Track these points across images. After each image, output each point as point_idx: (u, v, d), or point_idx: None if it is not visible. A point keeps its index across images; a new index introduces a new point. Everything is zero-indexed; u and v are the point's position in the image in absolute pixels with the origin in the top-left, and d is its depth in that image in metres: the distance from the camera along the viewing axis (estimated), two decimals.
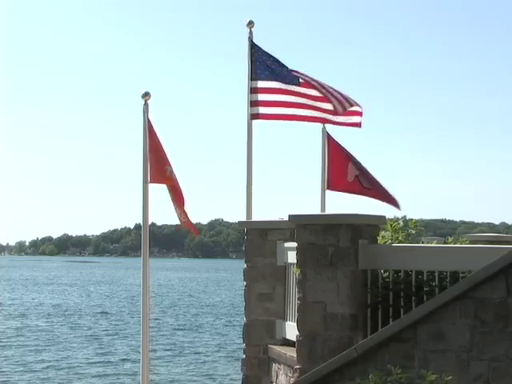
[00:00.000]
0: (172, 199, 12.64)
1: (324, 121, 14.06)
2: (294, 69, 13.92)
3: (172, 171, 12.56)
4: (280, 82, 13.72)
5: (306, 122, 14.09)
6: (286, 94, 13.72)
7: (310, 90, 13.75)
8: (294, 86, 13.72)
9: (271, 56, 13.87)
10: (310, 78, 13.81)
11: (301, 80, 13.77)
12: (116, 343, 40.68)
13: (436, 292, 9.07)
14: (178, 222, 12.89)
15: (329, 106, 13.71)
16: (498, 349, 8.10)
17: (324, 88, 13.68)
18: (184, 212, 12.64)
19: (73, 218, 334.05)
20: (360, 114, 14.31)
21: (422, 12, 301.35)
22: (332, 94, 13.66)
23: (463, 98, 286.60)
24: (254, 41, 13.87)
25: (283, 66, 13.85)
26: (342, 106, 13.66)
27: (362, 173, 14.01)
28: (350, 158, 14.16)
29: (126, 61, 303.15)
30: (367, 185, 13.98)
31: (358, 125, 14.38)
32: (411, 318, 8.42)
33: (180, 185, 12.66)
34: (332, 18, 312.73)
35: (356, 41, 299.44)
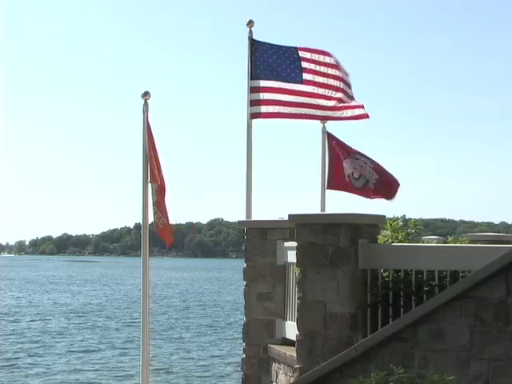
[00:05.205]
0: (155, 201, 12.09)
1: (324, 118, 14.01)
2: (300, 52, 13.83)
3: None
4: (280, 80, 13.66)
5: (305, 120, 14.05)
6: (285, 93, 13.66)
7: (312, 87, 13.67)
8: (296, 84, 13.66)
9: (274, 50, 13.76)
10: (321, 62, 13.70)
11: (304, 77, 13.69)
12: (117, 343, 40.71)
13: (436, 291, 9.08)
14: (159, 225, 12.07)
15: (330, 103, 13.64)
16: (497, 348, 8.11)
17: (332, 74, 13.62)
18: (166, 217, 12.09)
19: (73, 217, 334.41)
20: (361, 106, 13.74)
21: (423, 12, 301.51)
22: (342, 80, 13.62)
23: (463, 98, 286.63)
24: (254, 38, 13.81)
25: (289, 57, 13.72)
26: (348, 95, 13.61)
27: (361, 170, 13.95)
28: (347, 155, 14.12)
29: (126, 61, 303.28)
30: (358, 184, 13.95)
31: (365, 116, 13.71)
32: (411, 318, 8.43)
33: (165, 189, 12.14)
34: (332, 17, 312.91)
35: (356, 40, 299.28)
